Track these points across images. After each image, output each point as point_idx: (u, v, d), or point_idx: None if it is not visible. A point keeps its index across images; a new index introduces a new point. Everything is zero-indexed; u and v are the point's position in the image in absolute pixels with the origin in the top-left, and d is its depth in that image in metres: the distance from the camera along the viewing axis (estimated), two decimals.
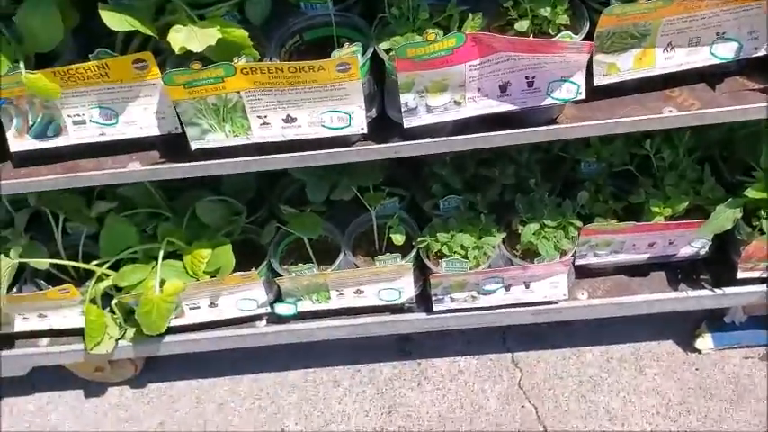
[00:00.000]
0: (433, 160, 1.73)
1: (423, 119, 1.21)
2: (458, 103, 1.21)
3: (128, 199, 1.70)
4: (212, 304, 1.69)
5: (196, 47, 1.07)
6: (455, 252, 1.57)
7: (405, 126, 1.21)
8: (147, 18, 1.14)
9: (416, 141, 1.26)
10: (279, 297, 1.74)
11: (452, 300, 1.65)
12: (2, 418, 1.96)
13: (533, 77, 1.19)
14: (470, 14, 1.15)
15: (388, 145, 1.27)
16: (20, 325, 1.72)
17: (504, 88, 1.20)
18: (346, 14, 1.26)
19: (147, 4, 1.17)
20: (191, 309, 1.69)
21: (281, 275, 1.66)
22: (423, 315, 1.71)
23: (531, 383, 1.88)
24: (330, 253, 1.72)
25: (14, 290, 1.70)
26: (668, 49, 1.23)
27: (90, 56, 1.20)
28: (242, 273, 1.62)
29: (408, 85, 1.16)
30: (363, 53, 1.18)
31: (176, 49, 1.09)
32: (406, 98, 1.18)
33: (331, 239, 1.74)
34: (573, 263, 1.65)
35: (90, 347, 1.62)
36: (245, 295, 1.68)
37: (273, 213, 1.77)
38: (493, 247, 1.59)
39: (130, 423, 1.91)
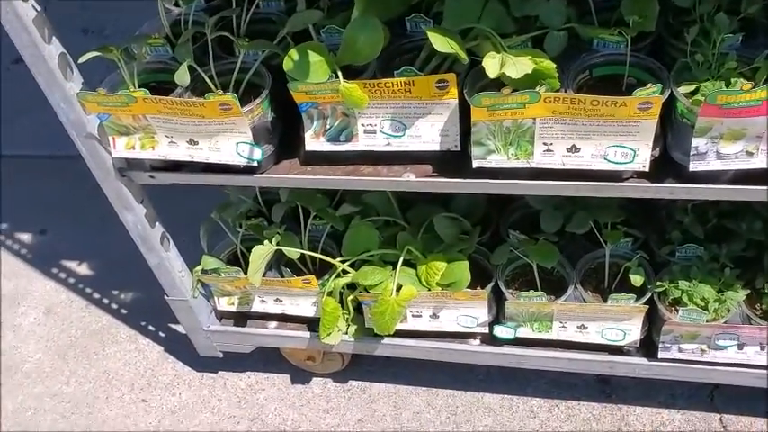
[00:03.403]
0: (674, 206, 1.72)
1: (710, 165, 1.21)
2: (749, 154, 1.20)
3: (368, 205, 1.83)
4: (434, 315, 1.76)
5: (514, 74, 1.14)
6: (694, 302, 1.55)
7: (690, 169, 1.22)
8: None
9: (696, 185, 1.26)
10: (495, 319, 1.79)
11: (680, 350, 1.62)
12: (216, 390, 2.13)
13: None
14: None
15: (663, 185, 1.28)
16: (256, 306, 1.88)
17: None
18: (639, 55, 1.29)
19: (456, 29, 1.26)
20: (413, 316, 1.77)
21: (503, 297, 1.70)
22: (643, 360, 1.69)
23: None
24: (552, 283, 1.74)
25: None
26: None
27: (395, 72, 1.32)
28: (471, 290, 1.68)
29: (704, 130, 1.17)
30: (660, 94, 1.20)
31: (491, 75, 1.16)
32: (698, 142, 1.19)
33: (557, 271, 1.76)
34: None
35: (323, 337, 1.74)
36: (467, 312, 1.73)
37: (499, 237, 1.82)
38: (735, 303, 1.54)
39: (331, 414, 2.02)
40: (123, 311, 2.39)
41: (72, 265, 2.55)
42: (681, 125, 1.24)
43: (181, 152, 1.42)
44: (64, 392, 2.19)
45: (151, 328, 2.33)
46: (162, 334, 2.31)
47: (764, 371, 1.62)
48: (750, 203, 1.70)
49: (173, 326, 2.29)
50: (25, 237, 2.68)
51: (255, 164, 1.40)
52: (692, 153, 1.21)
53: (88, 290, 2.47)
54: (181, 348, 2.22)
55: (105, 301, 2.43)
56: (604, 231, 1.65)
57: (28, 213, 2.76)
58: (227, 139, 1.38)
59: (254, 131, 1.38)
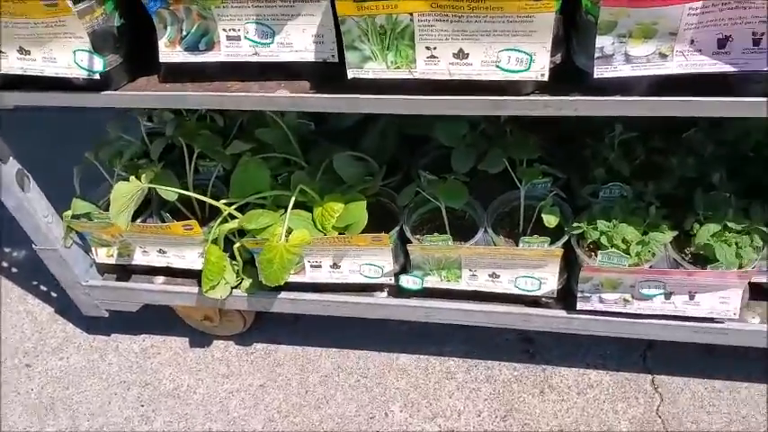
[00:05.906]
0: (598, 142, 1.55)
1: (618, 69, 1.03)
2: (663, 56, 1.02)
3: (264, 144, 1.63)
4: (335, 265, 1.57)
5: None
6: (615, 245, 1.38)
7: (596, 76, 1.04)
8: None
9: (603, 97, 1.08)
10: (404, 269, 1.61)
11: (601, 300, 1.45)
12: (108, 355, 1.93)
13: (762, 34, 0.99)
14: None
15: (566, 98, 1.10)
16: (138, 258, 1.67)
17: (722, 44, 1.00)
18: None
19: None
20: (312, 266, 1.58)
21: (412, 244, 1.52)
22: (562, 313, 1.52)
23: (671, 412, 1.64)
24: (466, 230, 1.56)
25: (139, 221, 1.65)
26: None
27: None
28: (372, 234, 1.49)
29: (609, 26, 0.99)
30: None
31: None
32: (603, 42, 1.01)
33: (469, 215, 1.58)
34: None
35: (206, 289, 1.54)
36: (371, 260, 1.55)
37: (410, 179, 1.64)
38: (660, 245, 1.37)
39: (230, 380, 1.83)
40: (13, 270, 2.17)
41: None
42: (586, 24, 1.05)
43: (11, 63, 1.20)
44: None
45: (43, 288, 2.12)
46: (54, 294, 2.10)
47: (694, 323, 1.46)
48: (682, 138, 1.53)
49: None
50: None
51: (98, 77, 1.19)
52: (596, 55, 1.02)
53: None
54: (73, 310, 2.01)
55: None
56: (519, 169, 1.47)
57: None
58: (63, 46, 1.17)
59: (95, 38, 1.17)
